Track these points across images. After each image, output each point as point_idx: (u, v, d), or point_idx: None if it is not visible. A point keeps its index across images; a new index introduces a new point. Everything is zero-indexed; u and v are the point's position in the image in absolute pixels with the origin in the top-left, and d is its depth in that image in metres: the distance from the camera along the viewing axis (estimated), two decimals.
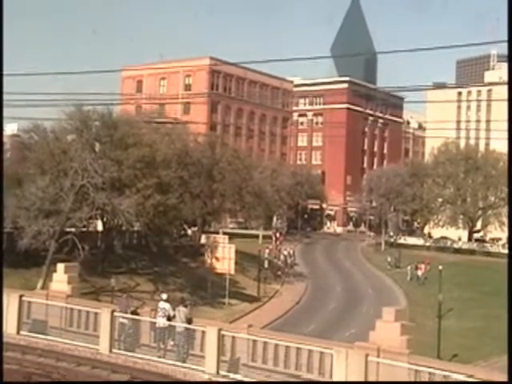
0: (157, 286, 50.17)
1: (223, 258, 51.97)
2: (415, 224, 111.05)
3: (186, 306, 21.39)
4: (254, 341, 19.61)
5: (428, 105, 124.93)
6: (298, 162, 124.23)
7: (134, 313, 22.02)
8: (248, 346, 19.68)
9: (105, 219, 49.74)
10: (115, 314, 20.96)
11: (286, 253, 73.03)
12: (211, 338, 18.99)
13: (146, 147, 49.71)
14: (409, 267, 69.99)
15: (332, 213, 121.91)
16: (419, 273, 68.14)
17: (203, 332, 19.85)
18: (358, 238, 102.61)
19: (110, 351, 20.22)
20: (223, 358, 19.19)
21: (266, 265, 61.30)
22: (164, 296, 22.05)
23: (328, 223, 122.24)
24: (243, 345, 19.71)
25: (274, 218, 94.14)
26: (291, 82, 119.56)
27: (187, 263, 59.33)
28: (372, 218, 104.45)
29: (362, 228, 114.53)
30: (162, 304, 21.65)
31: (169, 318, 21.17)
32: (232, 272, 52.22)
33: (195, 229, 66.20)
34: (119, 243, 48.01)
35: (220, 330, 19.09)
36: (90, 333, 21.82)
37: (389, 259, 76.87)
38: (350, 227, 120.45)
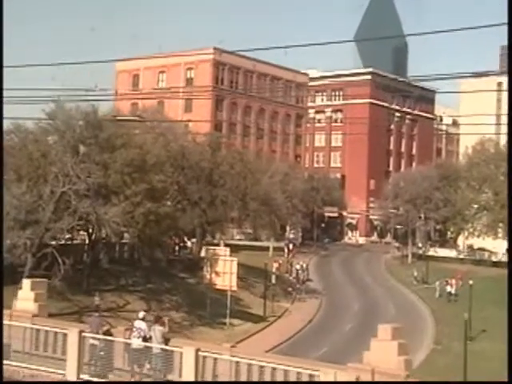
0: (149, 304, 50.51)
1: (224, 272, 52.21)
2: (448, 234, 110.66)
3: (162, 325, 21.68)
4: (237, 362, 19.82)
5: (462, 97, 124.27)
6: (315, 165, 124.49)
7: (107, 333, 22.33)
8: (231, 369, 19.89)
9: (90, 230, 50.22)
10: (84, 334, 21.27)
11: (298, 267, 73.26)
12: (188, 359, 19.25)
13: (135, 149, 50.16)
14: (437, 282, 69.92)
15: (353, 221, 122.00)
16: (448, 289, 68.01)
17: (181, 353, 20.09)
18: (383, 249, 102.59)
19: (78, 376, 20.52)
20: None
21: (273, 280, 61.56)
22: (141, 314, 22.39)
23: (349, 233, 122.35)
24: (226, 367, 19.93)
25: (288, 228, 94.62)
26: (306, 74, 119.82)
27: (185, 279, 59.74)
28: (399, 227, 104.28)
29: (388, 238, 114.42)
30: (137, 323, 21.99)
31: (145, 339, 21.47)
32: (234, 288, 52.45)
33: (195, 240, 66.63)
34: (106, 257, 48.49)
35: (198, 350, 19.34)
36: (58, 356, 22.10)
37: (415, 273, 76.83)
38: (374, 237, 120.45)
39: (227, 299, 51.03)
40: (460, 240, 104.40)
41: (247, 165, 66.58)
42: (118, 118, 43.48)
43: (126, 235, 53.50)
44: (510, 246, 73.90)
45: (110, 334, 22.26)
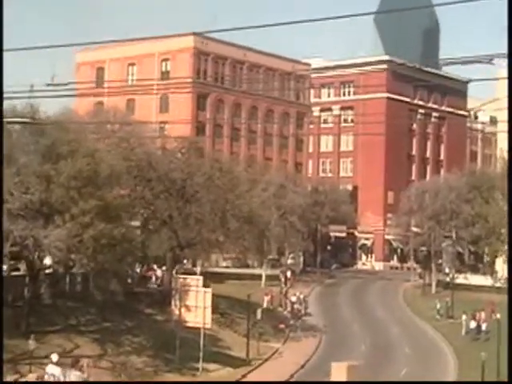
0: (105, 347, 50.44)
1: (196, 306, 52.26)
2: (485, 257, 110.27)
3: (80, 369, 21.73)
4: None
5: (499, 87, 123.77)
6: (321, 174, 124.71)
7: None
8: None
9: (31, 258, 50.15)
10: None
11: (293, 299, 73.25)
12: None
13: (85, 158, 50.16)
14: (464, 317, 69.81)
15: (368, 242, 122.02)
16: (473, 324, 67.85)
17: None
18: (403, 276, 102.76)
19: None
20: None
21: (258, 315, 61.44)
22: (54, 358, 22.42)
23: (363, 257, 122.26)
24: None
25: (286, 252, 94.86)
26: (308, 64, 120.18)
27: (151, 315, 59.73)
28: (423, 248, 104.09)
29: (412, 263, 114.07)
30: (50, 369, 22.06)
31: None
32: (208, 325, 52.49)
33: (165, 268, 66.75)
34: (47, 290, 48.37)
35: None
36: None
37: (438, 306, 76.73)
38: (394, 262, 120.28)
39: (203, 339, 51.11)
40: (498, 264, 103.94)
41: (228, 175, 66.64)
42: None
43: (76, 262, 53.46)
44: (510, 259, 73.91)
45: None
